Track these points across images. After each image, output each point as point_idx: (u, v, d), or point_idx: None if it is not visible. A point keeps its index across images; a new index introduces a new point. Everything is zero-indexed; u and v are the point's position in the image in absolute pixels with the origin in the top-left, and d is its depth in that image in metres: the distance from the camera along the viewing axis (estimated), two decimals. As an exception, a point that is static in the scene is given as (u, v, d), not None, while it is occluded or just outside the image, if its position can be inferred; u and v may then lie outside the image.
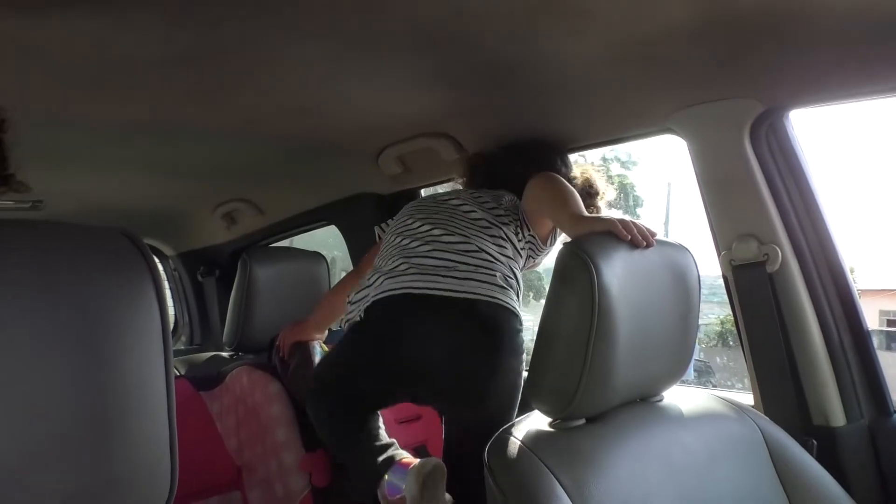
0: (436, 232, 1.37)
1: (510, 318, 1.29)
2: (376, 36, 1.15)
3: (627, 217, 1.09)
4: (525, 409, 1.40)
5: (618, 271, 0.95)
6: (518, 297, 1.36)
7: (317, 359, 1.39)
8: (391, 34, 1.14)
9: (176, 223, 2.59)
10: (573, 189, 1.37)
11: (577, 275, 0.93)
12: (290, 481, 1.33)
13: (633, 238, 1.01)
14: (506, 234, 1.40)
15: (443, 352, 1.26)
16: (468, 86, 1.37)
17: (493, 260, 1.34)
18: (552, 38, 1.14)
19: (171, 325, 1.26)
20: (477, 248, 1.34)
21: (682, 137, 1.30)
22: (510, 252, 1.39)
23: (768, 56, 1.13)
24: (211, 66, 1.25)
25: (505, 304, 1.30)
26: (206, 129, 1.66)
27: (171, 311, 3.01)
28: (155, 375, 0.52)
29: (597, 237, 1.00)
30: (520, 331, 1.31)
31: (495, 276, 1.32)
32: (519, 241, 1.42)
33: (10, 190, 0.85)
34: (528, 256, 1.45)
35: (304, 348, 1.40)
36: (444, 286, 1.28)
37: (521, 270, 1.41)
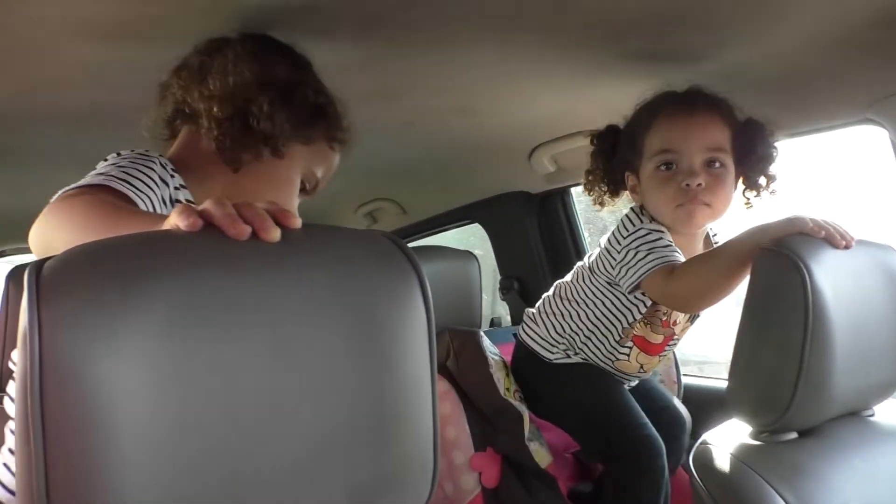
0: None
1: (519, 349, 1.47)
2: (551, 33, 1.13)
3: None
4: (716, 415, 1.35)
5: (829, 273, 0.88)
6: (555, 327, 1.43)
7: (489, 356, 1.39)
8: (566, 31, 1.12)
9: (319, 222, 2.68)
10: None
11: (785, 277, 0.87)
12: (459, 480, 1.34)
13: (827, 236, 0.93)
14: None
15: None
16: (640, 78, 1.32)
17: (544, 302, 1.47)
18: (744, 26, 1.08)
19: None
20: None
21: (884, 128, 1.20)
22: (568, 281, 1.44)
23: None
24: (385, 70, 1.27)
25: (521, 340, 1.47)
26: (364, 131, 1.69)
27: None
28: (423, 376, 0.53)
29: (799, 237, 0.93)
30: (527, 354, 1.44)
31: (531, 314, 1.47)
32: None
33: (269, 151, 0.97)
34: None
35: (474, 341, 1.39)
36: None
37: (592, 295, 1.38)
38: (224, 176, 0.97)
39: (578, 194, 2.06)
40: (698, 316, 1.39)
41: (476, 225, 2.30)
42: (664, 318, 1.34)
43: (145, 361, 0.43)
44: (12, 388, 0.86)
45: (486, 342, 1.42)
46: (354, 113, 1.51)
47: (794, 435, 0.91)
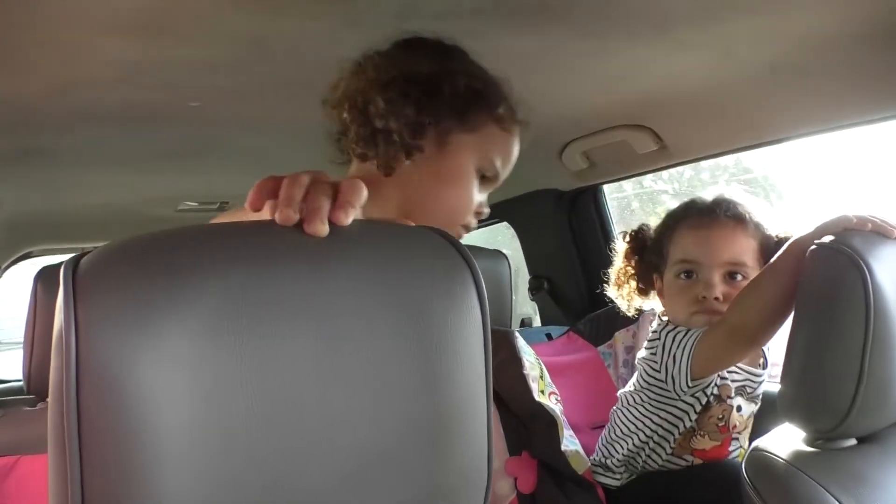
0: None
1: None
2: (595, 23, 1.09)
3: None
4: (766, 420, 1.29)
5: (890, 269, 0.84)
6: (610, 456, 1.39)
7: (524, 357, 1.35)
8: (609, 21, 1.08)
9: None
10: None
11: (843, 275, 0.83)
12: (495, 486, 1.30)
13: (875, 227, 0.89)
14: None
15: None
16: (683, 71, 1.28)
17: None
18: (799, 12, 1.03)
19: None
20: None
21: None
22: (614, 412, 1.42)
23: None
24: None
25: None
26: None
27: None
28: (478, 380, 0.50)
29: (853, 232, 0.89)
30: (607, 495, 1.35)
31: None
32: None
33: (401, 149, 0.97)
34: None
35: (510, 342, 1.36)
36: None
37: None
38: (396, 191, 0.97)
39: (610, 192, 2.02)
40: (757, 403, 1.31)
41: (502, 224, 2.27)
42: (721, 424, 1.27)
43: (188, 365, 0.40)
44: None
45: (521, 342, 1.38)
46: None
47: (852, 441, 0.87)
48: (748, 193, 1.34)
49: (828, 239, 0.87)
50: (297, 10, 1.01)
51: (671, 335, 1.24)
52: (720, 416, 1.27)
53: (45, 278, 1.38)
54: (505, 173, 1.06)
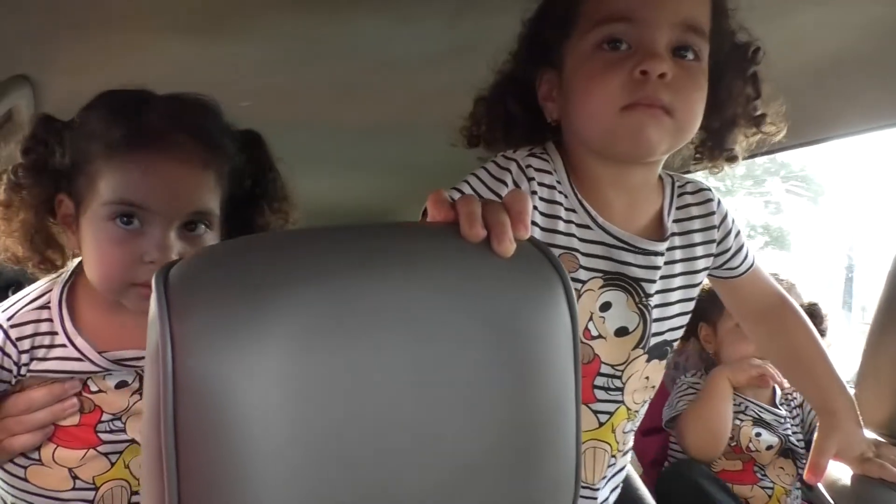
0: None
1: None
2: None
3: None
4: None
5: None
6: None
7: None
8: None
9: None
10: None
11: None
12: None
13: None
14: None
15: None
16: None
17: None
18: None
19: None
20: None
21: None
22: None
23: None
24: (469, 62, 1.21)
25: None
26: (440, 127, 1.65)
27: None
28: (566, 392, 0.48)
29: None
30: None
31: None
32: None
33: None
34: None
35: None
36: None
37: None
38: (567, 132, 0.86)
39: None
40: (785, 441, 1.29)
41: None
42: (733, 444, 1.28)
43: (284, 378, 0.39)
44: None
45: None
46: (428, 108, 1.48)
47: (932, 449, 0.83)
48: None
49: None
50: (354, 9, 1.00)
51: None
52: (733, 437, 1.29)
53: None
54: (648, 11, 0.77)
